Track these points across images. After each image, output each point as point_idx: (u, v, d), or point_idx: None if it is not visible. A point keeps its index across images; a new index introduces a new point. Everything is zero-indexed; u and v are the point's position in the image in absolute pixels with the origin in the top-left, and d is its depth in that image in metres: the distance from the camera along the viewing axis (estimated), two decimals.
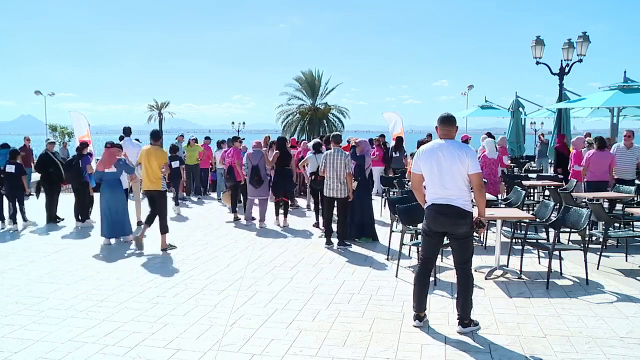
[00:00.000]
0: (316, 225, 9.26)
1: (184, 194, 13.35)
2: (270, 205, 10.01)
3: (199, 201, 13.14)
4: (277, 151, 9.80)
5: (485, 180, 8.71)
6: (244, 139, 11.17)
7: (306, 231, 9.05)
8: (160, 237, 7.63)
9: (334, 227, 7.91)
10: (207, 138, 14.63)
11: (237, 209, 10.37)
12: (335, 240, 7.72)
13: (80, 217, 9.75)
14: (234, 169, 10.02)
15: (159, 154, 7.76)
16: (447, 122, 4.42)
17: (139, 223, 9.65)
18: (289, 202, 10.37)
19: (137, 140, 11.63)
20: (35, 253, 7.59)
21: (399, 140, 14.72)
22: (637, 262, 6.67)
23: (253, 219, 9.81)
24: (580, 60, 15.21)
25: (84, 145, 10.06)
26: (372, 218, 8.23)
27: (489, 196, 7.53)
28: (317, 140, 10.16)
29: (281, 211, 9.73)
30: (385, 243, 7.35)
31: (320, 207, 8.93)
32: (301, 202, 12.36)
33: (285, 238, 8.47)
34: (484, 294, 5.37)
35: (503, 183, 9.70)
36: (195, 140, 14.03)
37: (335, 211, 7.84)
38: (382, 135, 14.56)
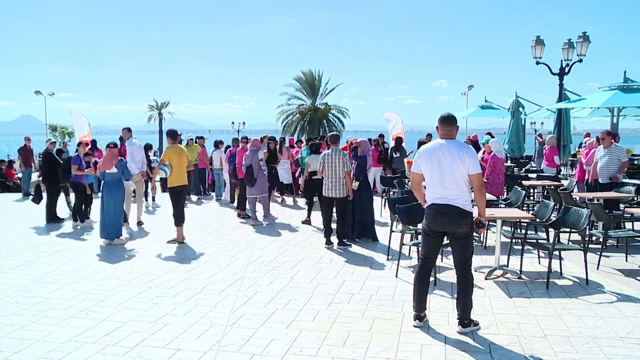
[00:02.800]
0: (305, 221, 9.58)
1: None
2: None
3: (198, 201, 13.14)
4: (265, 150, 10.32)
5: (486, 180, 8.71)
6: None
7: (306, 231, 9.06)
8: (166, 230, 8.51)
9: (333, 227, 7.92)
10: (201, 137, 14.44)
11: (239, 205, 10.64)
12: (335, 240, 7.73)
13: (78, 217, 9.74)
14: (238, 167, 10.20)
15: (185, 152, 8.43)
16: (448, 122, 4.42)
17: (139, 223, 9.66)
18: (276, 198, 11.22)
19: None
20: (35, 253, 7.59)
21: (399, 140, 14.72)
22: (637, 262, 6.68)
23: (255, 215, 9.96)
24: (580, 60, 15.22)
25: (79, 144, 10.29)
26: (372, 218, 8.24)
27: (490, 196, 7.54)
28: (316, 141, 10.64)
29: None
30: (385, 243, 7.35)
31: (313, 204, 9.47)
32: (299, 200, 12.38)
33: (285, 238, 8.47)
34: (484, 294, 5.37)
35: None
36: (194, 141, 14.02)
37: (334, 211, 7.86)
38: (381, 135, 14.56)
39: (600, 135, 8.76)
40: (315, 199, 12.11)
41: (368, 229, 8.13)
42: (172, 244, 8.06)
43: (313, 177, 9.36)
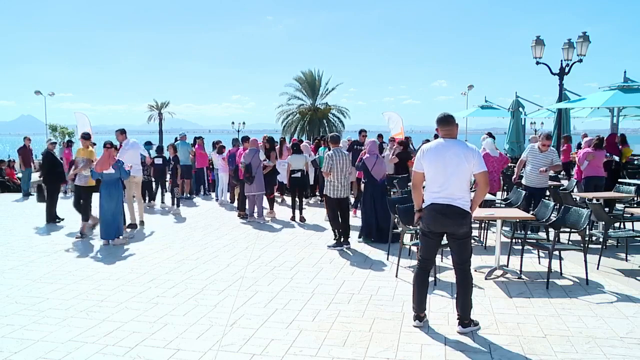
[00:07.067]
0: (293, 218, 10.05)
1: (188, 193, 13.41)
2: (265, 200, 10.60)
3: (198, 201, 13.13)
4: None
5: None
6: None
7: (306, 231, 9.06)
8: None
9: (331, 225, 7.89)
10: (200, 137, 14.27)
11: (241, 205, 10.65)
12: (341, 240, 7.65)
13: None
14: (239, 167, 10.26)
15: (94, 154, 9.19)
16: (446, 122, 4.42)
17: (141, 223, 9.64)
18: (274, 197, 11.31)
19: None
20: (35, 253, 7.59)
21: (407, 140, 14.53)
22: (637, 262, 6.68)
23: (252, 214, 10.12)
24: (580, 60, 15.22)
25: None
26: (388, 223, 7.50)
27: (487, 195, 7.51)
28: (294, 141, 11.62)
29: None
30: (385, 243, 7.34)
31: (296, 201, 10.19)
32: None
33: (285, 238, 8.47)
34: (484, 294, 5.37)
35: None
36: (194, 141, 13.97)
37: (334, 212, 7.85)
38: (380, 135, 14.46)
39: (542, 136, 8.30)
40: (311, 200, 12.10)
41: (385, 233, 7.63)
42: (80, 236, 8.61)
43: (292, 176, 10.14)
